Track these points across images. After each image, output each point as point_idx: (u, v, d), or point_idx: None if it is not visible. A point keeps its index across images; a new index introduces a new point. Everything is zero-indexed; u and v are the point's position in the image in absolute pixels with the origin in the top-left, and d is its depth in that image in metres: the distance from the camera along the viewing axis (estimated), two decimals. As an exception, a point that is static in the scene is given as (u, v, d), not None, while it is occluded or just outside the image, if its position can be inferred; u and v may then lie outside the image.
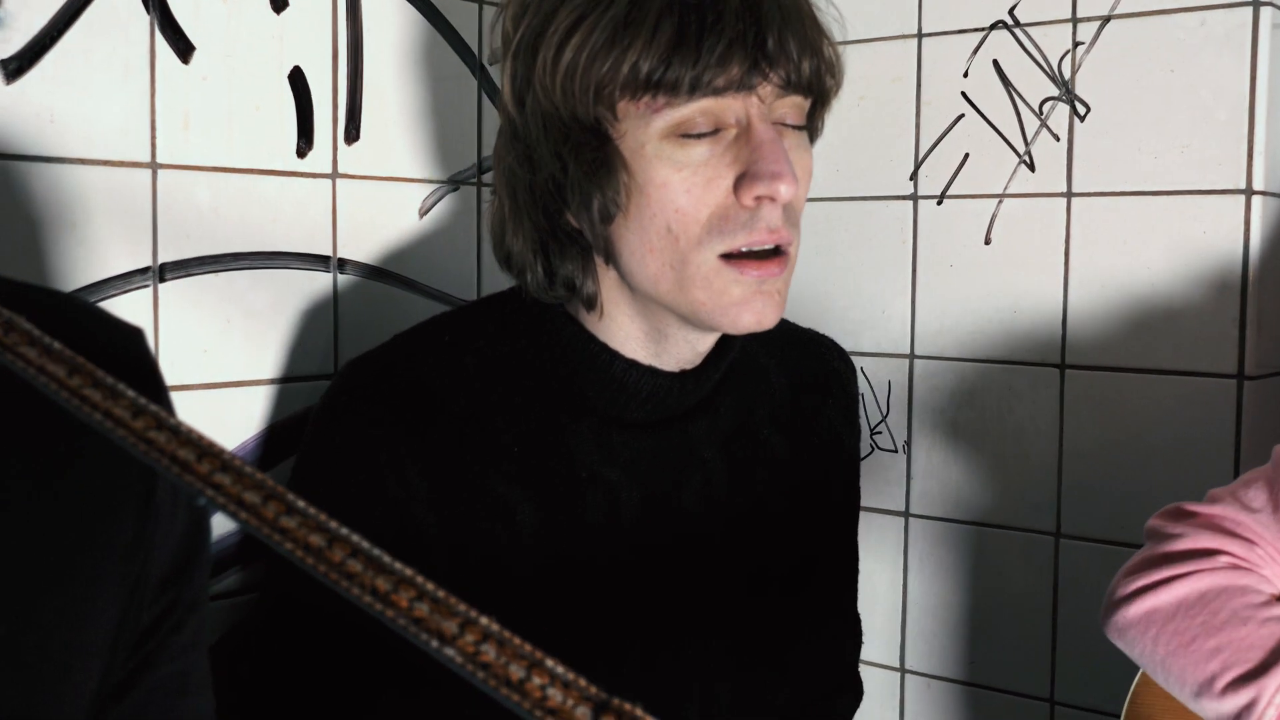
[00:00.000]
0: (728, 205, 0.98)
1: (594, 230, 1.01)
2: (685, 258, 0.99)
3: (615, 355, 1.07)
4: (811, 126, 1.08)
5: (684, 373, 1.10)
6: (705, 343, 1.10)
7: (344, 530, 0.45)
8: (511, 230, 1.06)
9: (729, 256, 0.99)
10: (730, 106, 0.97)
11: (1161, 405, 1.40)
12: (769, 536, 1.18)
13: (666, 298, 1.02)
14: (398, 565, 0.45)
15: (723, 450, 1.14)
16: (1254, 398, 1.36)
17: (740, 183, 0.97)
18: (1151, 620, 1.06)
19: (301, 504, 0.45)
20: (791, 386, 1.23)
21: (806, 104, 1.03)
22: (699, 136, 0.97)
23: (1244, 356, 1.35)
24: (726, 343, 1.13)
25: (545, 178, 1.01)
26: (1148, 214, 1.40)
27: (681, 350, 1.08)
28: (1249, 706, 0.97)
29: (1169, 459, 1.40)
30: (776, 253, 1.01)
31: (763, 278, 1.00)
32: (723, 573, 1.14)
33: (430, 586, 0.45)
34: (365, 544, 0.45)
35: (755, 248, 0.99)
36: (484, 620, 0.44)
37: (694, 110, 0.96)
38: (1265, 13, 1.33)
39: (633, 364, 1.07)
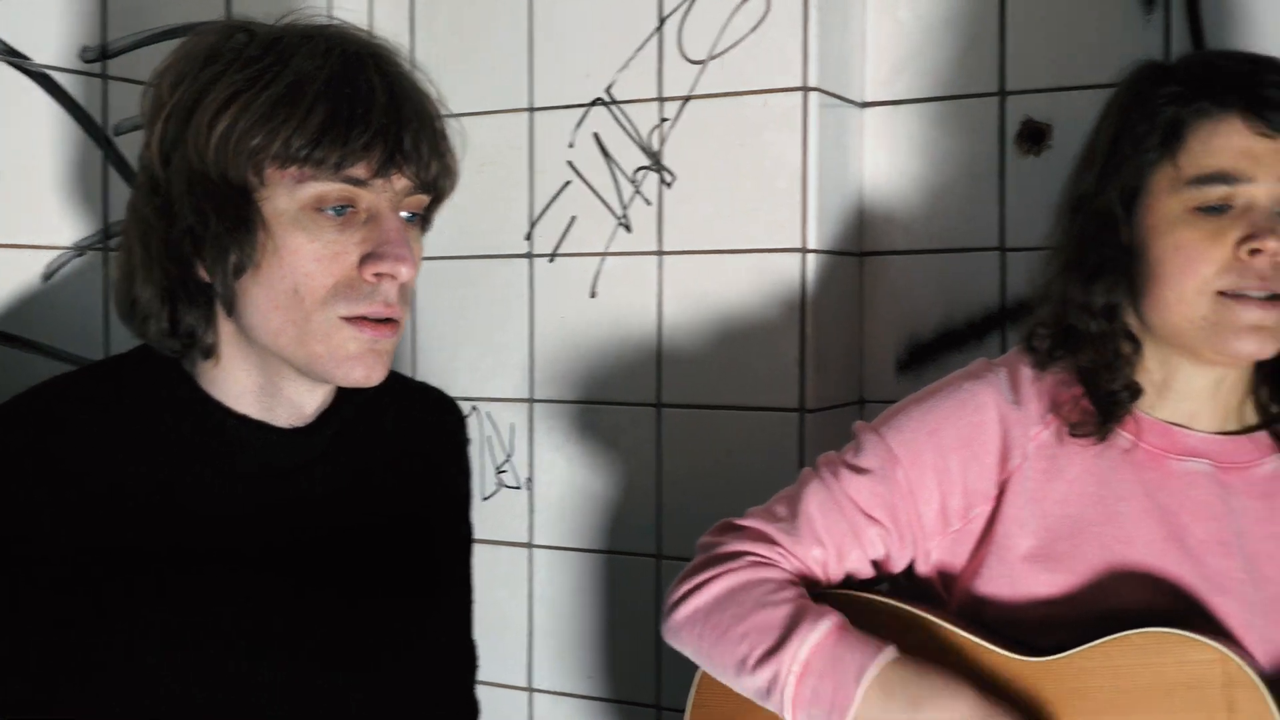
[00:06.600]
0: (352, 277, 1.12)
1: (224, 283, 1.12)
2: (309, 316, 1.11)
3: (228, 412, 1.16)
4: (426, 220, 1.22)
5: (295, 430, 1.20)
6: (314, 402, 1.20)
7: None
8: (141, 279, 1.14)
9: (348, 318, 1.12)
10: (364, 196, 1.11)
11: (740, 437, 1.59)
12: (383, 577, 1.26)
13: (285, 350, 1.13)
14: None
15: (337, 501, 1.24)
16: (814, 428, 1.57)
17: (366, 260, 1.11)
18: (694, 619, 1.23)
19: None
20: (403, 435, 1.34)
21: (426, 201, 1.18)
22: (334, 214, 1.10)
23: (804, 392, 1.56)
24: (341, 402, 1.24)
25: (182, 230, 1.11)
26: (725, 270, 1.60)
27: (291, 408, 1.19)
28: (774, 678, 1.15)
29: (747, 482, 1.58)
30: (389, 321, 1.14)
31: (376, 338, 1.13)
32: (332, 616, 1.22)
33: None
34: None
35: (371, 316, 1.12)
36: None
37: (335, 189, 1.09)
38: (813, 97, 1.55)
39: (244, 420, 1.17)
